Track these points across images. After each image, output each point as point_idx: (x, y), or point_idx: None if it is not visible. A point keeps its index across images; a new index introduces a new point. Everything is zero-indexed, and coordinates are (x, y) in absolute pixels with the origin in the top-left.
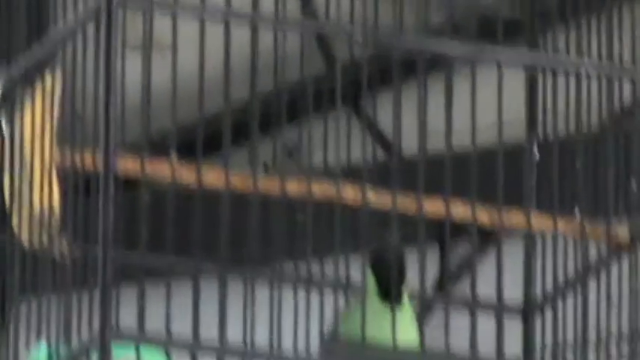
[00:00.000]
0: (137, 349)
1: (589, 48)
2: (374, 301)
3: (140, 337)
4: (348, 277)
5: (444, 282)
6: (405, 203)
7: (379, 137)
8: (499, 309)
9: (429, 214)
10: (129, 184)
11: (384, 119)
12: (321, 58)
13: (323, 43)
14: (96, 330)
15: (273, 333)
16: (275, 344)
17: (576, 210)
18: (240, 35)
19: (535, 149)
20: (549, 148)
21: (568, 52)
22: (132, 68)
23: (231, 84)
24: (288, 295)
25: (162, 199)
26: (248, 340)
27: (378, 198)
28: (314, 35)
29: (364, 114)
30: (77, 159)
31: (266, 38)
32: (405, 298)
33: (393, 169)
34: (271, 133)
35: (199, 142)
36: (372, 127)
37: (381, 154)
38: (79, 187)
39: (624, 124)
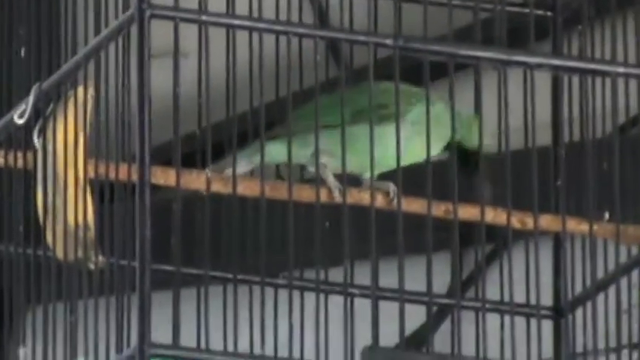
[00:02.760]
0: None
1: (614, 48)
2: None
3: (177, 352)
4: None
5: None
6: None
7: None
8: (537, 311)
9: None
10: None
11: None
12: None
13: (336, 48)
14: (133, 343)
15: (319, 340)
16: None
17: (605, 212)
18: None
19: (561, 151)
20: (578, 151)
21: (593, 51)
22: (153, 75)
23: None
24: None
25: (192, 207)
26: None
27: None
28: (329, 43)
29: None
30: (110, 170)
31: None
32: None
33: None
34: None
35: (233, 150)
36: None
37: None
38: (112, 199)
39: None
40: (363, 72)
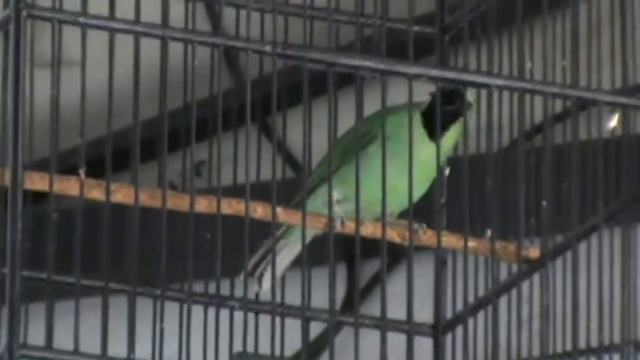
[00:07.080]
0: None
1: (500, 65)
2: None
3: (48, 353)
4: (257, 296)
5: (353, 300)
6: (315, 222)
7: (288, 155)
8: (410, 327)
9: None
10: (36, 202)
11: (294, 136)
12: (229, 74)
13: (231, 58)
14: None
15: (182, 352)
16: None
17: (487, 229)
18: (150, 50)
19: (446, 166)
20: (460, 165)
21: (479, 68)
22: (40, 86)
23: (140, 100)
24: (197, 313)
25: (70, 216)
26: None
27: (287, 216)
28: (223, 50)
29: (273, 132)
30: None
31: (174, 54)
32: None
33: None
34: (179, 150)
35: (108, 158)
36: (280, 145)
37: (290, 171)
38: None
39: (535, 142)
40: (254, 82)
